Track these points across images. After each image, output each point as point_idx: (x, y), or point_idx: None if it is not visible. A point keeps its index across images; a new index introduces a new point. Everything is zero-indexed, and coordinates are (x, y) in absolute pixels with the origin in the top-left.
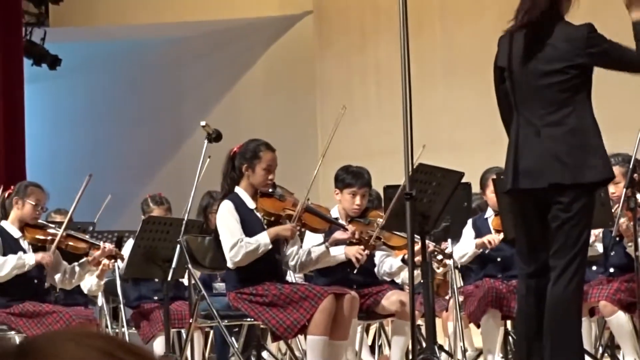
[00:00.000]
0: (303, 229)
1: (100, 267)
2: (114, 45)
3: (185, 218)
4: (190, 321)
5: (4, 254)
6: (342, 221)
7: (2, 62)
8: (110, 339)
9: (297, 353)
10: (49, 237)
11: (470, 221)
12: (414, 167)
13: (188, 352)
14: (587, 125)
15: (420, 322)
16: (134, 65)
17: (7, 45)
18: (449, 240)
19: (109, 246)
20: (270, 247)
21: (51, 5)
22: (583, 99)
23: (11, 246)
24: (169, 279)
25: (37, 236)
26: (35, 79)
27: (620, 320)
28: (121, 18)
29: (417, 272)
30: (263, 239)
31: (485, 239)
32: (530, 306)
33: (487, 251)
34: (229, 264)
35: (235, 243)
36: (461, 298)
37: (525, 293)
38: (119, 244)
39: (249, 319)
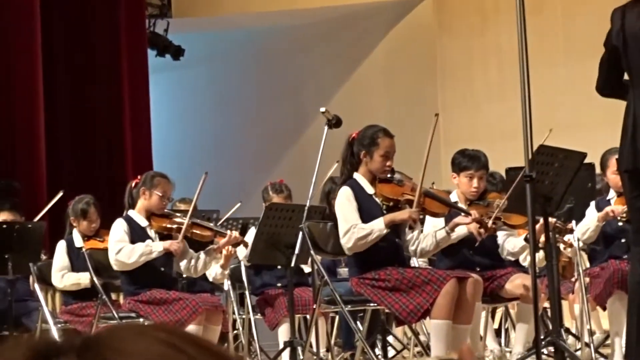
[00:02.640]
0: (423, 214)
1: (224, 254)
2: (235, 34)
3: (307, 204)
4: (314, 307)
5: (132, 243)
6: (461, 205)
7: (127, 53)
8: (174, 331)
9: (422, 337)
10: (175, 226)
11: (593, 203)
12: (535, 149)
13: (312, 338)
14: None
15: (546, 304)
16: (255, 54)
17: (132, 37)
18: (573, 222)
19: (234, 234)
20: (384, 232)
21: None
22: None
23: (139, 235)
24: (292, 265)
25: (164, 225)
26: (159, 70)
27: None
28: (243, 7)
29: (541, 254)
30: (377, 225)
31: (607, 209)
32: None
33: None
34: (345, 251)
35: (348, 229)
36: (587, 280)
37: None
38: (244, 231)
39: (372, 304)
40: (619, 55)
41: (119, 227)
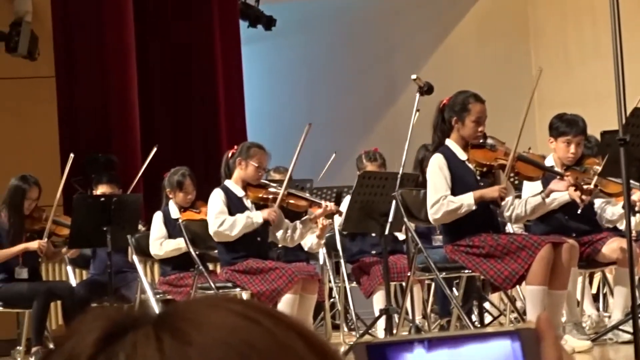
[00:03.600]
0: (517, 178)
1: (319, 225)
2: (327, 2)
3: (400, 172)
4: (409, 274)
5: (231, 213)
6: (557, 169)
7: (219, 26)
8: (249, 303)
9: (518, 303)
10: (271, 196)
11: None
12: (630, 111)
13: (408, 305)
14: None
15: None
16: (346, 21)
17: (223, 9)
18: None
19: (330, 205)
20: (473, 208)
21: None
22: None
23: (236, 205)
24: (387, 232)
25: (260, 195)
26: (251, 41)
27: None
28: None
29: (638, 218)
30: (467, 200)
31: None
32: None
33: None
34: (430, 220)
35: (438, 200)
36: None
37: None
38: (338, 200)
39: (466, 271)
40: None
41: (217, 197)
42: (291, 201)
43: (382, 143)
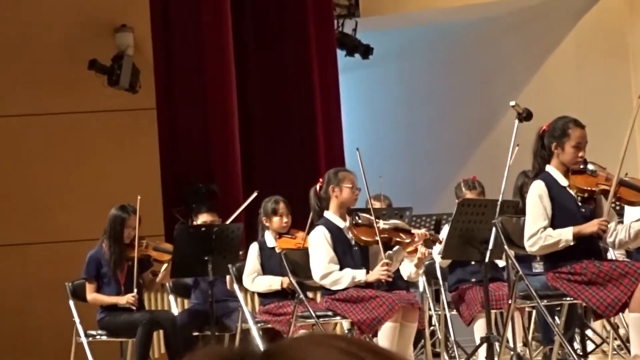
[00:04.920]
0: (619, 203)
1: (417, 255)
2: (423, 30)
3: (500, 199)
4: (509, 302)
5: (335, 250)
6: None
7: (317, 54)
8: (352, 340)
9: (621, 331)
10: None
11: None
12: None
13: (509, 333)
14: None
15: None
16: (443, 49)
17: (321, 38)
18: None
19: (422, 232)
20: (571, 244)
21: None
22: None
23: (338, 238)
24: (487, 260)
25: (364, 237)
26: (349, 69)
27: None
28: (430, 2)
29: None
30: (565, 236)
31: None
32: None
33: None
34: (527, 251)
35: (535, 233)
36: None
37: None
38: (437, 228)
39: (568, 299)
40: None
41: (320, 237)
42: (396, 239)
43: (481, 170)
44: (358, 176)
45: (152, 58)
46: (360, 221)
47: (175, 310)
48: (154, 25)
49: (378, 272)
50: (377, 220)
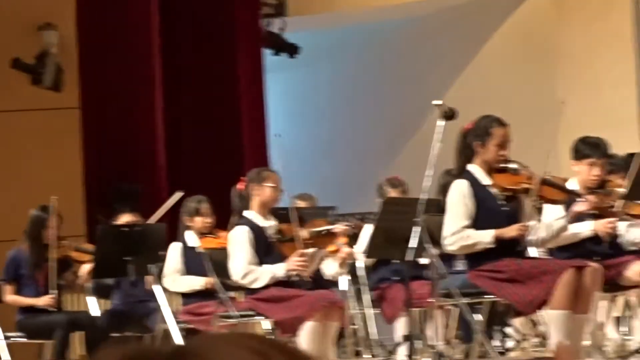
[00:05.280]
0: (541, 202)
1: (340, 254)
2: (353, 29)
3: (423, 197)
4: (431, 300)
5: (257, 249)
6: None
7: (243, 53)
8: (263, 340)
9: (540, 328)
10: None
11: None
12: None
13: (430, 331)
14: None
15: None
16: (371, 49)
17: (247, 37)
18: None
19: (343, 227)
20: (492, 246)
21: None
22: None
23: (259, 236)
24: (410, 258)
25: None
26: (275, 69)
27: None
28: (360, 2)
29: None
30: (485, 238)
31: None
32: None
33: None
34: (443, 248)
35: (455, 231)
36: None
37: None
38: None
39: (489, 296)
40: None
41: (242, 236)
42: (319, 243)
43: (406, 169)
44: (317, 179)
45: (77, 57)
46: (283, 237)
47: (96, 311)
48: (79, 23)
49: (293, 263)
50: (300, 227)
